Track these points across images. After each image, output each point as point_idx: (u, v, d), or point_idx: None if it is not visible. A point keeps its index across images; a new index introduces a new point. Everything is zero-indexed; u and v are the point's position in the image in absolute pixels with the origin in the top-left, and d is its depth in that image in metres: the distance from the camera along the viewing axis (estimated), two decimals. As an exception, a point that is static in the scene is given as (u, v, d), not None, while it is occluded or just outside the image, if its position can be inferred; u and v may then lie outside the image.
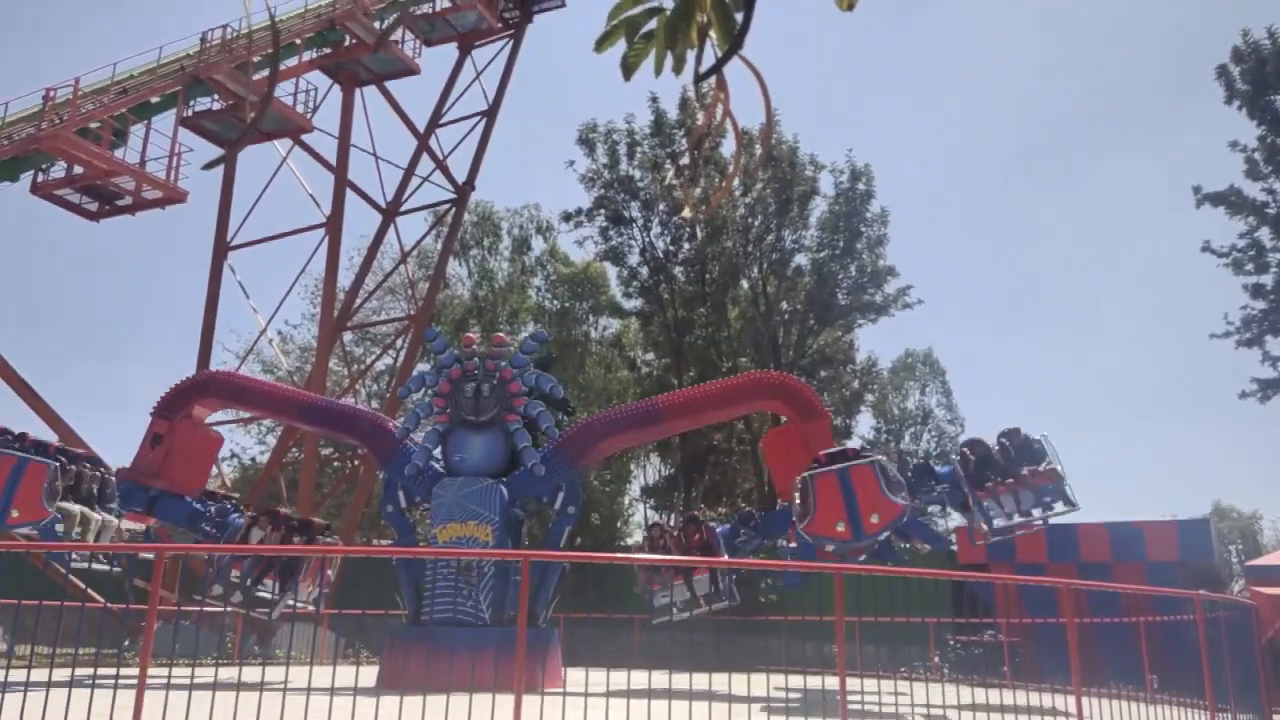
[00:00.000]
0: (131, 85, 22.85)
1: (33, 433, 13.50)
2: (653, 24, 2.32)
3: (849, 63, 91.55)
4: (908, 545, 15.76)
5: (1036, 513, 13.42)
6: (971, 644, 19.23)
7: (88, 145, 20.75)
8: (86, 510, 12.95)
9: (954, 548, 21.87)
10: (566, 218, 34.24)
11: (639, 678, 7.86)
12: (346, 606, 20.30)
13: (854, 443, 34.39)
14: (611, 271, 35.72)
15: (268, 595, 13.38)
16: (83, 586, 17.89)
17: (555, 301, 38.73)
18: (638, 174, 32.98)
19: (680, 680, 9.29)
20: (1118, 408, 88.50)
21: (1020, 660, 17.83)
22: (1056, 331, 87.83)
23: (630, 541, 37.21)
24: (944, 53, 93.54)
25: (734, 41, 2.16)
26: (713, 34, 2.22)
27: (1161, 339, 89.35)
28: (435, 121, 30.57)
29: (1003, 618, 19.12)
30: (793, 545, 13.61)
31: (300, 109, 26.59)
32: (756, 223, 32.35)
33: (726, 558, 13.90)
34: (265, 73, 24.96)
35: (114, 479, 14.07)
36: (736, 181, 30.66)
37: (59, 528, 12.30)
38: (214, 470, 27.19)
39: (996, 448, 13.89)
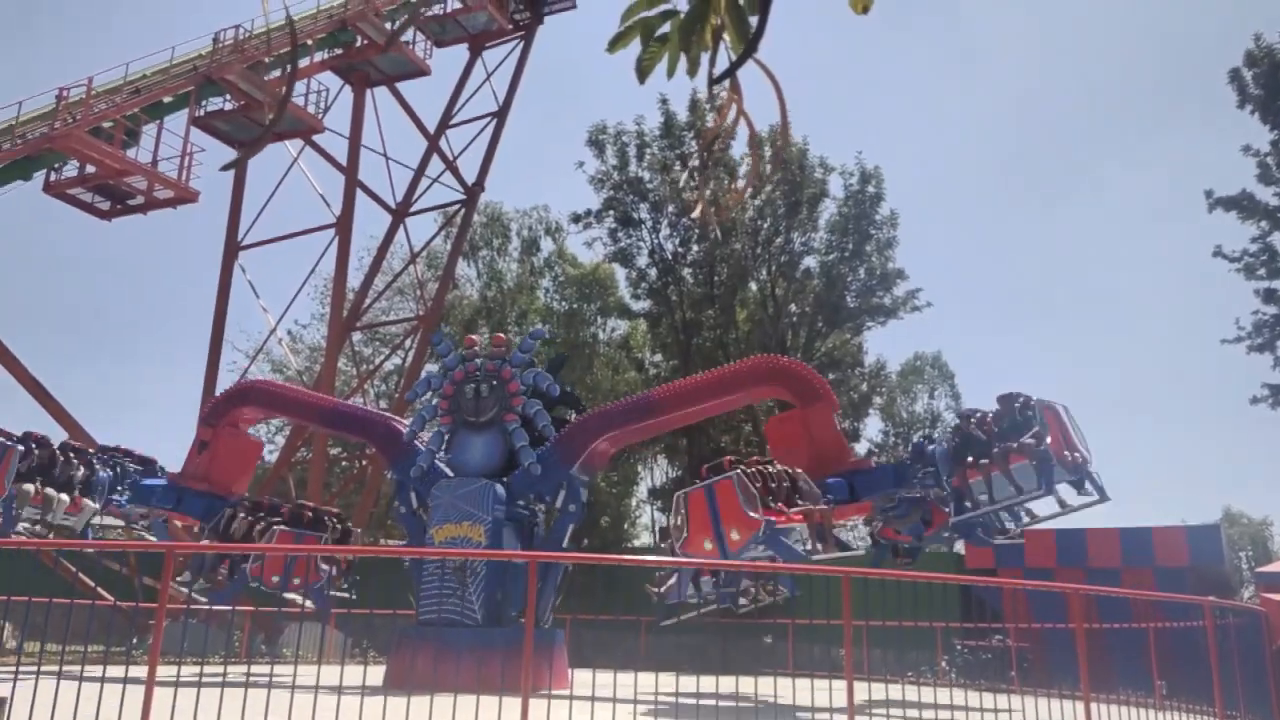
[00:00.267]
0: (144, 85, 22.96)
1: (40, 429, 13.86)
2: (666, 26, 2.31)
3: (857, 64, 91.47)
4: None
5: (1012, 499, 11.99)
6: (979, 649, 19.15)
7: (100, 145, 20.86)
8: (50, 491, 14.23)
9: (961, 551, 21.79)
10: (576, 219, 34.30)
11: (646, 680, 7.86)
12: (354, 606, 20.31)
13: (861, 447, 34.34)
14: (620, 273, 35.76)
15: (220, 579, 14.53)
16: (92, 585, 17.99)
17: (564, 303, 38.77)
18: (647, 176, 33.00)
19: (687, 682, 9.27)
20: (1128, 412, 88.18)
21: (1028, 665, 17.75)
22: (1067, 335, 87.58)
23: (638, 543, 37.19)
24: (953, 55, 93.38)
25: (749, 44, 2.15)
26: (727, 37, 2.22)
27: (1172, 343, 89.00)
28: (445, 122, 30.64)
29: (1011, 622, 19.04)
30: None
31: (311, 109, 26.69)
32: (765, 225, 32.33)
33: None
34: (278, 73, 25.07)
35: (108, 472, 15.20)
36: (746, 182, 30.62)
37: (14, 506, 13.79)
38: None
39: (983, 416, 12.70)
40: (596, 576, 20.93)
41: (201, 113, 24.69)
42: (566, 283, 38.82)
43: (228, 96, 24.72)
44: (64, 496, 14.48)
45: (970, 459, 12.19)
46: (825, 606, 12.80)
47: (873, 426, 42.30)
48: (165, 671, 8.61)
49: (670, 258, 32.97)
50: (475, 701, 6.96)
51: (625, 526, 36.64)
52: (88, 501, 14.71)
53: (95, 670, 8.32)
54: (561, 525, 14.09)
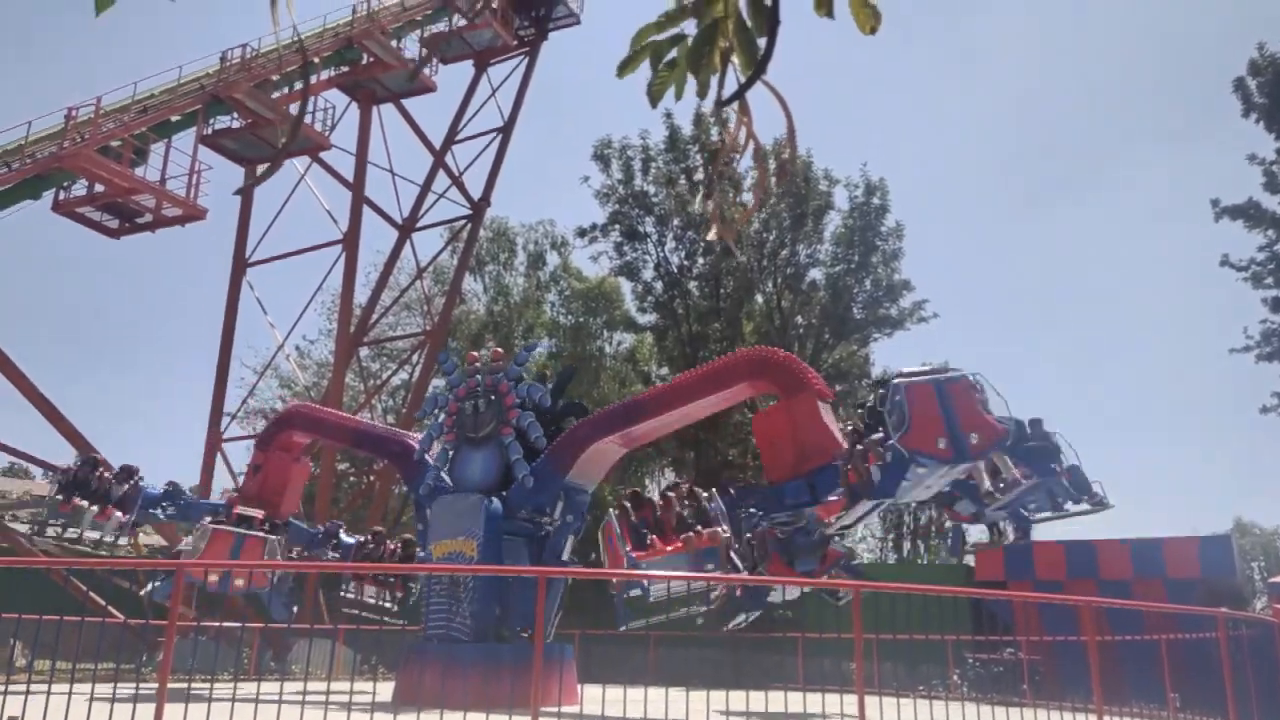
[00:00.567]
0: (152, 104, 23.14)
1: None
2: (675, 51, 2.34)
3: (860, 72, 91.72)
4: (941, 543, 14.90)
5: (1068, 505, 12.08)
6: (991, 662, 19.04)
7: (109, 163, 21.02)
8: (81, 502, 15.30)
9: (971, 564, 21.70)
10: (581, 233, 34.40)
11: (656, 695, 7.83)
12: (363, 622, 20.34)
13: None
14: (626, 286, 35.82)
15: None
16: (103, 604, 18.02)
17: (570, 317, 38.84)
18: (652, 189, 33.10)
19: (697, 697, 9.25)
20: (1137, 423, 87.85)
21: (1040, 679, 17.64)
22: (1074, 346, 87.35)
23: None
24: (957, 65, 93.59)
25: (758, 67, 2.18)
26: (735, 59, 2.24)
27: (1181, 353, 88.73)
28: (451, 138, 30.84)
29: (1022, 635, 18.94)
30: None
31: (318, 127, 26.88)
32: (771, 237, 32.39)
33: (724, 529, 12.32)
34: (285, 91, 25.27)
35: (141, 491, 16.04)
36: (753, 197, 30.70)
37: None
38: (234, 483, 27.49)
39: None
40: (604, 591, 20.88)
41: (209, 131, 24.87)
42: (572, 297, 38.90)
43: (235, 115, 24.90)
44: (94, 507, 15.34)
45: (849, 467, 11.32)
46: (835, 620, 12.76)
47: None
48: (174, 688, 8.62)
49: (676, 271, 33.03)
50: (484, 719, 6.95)
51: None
52: (117, 513, 15.45)
53: (105, 688, 8.34)
54: (560, 537, 14.01)
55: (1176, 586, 19.96)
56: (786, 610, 23.92)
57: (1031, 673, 17.48)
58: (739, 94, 2.24)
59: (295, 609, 16.27)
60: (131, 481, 15.75)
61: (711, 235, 3.05)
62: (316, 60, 25.16)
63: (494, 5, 28.36)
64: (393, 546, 16.33)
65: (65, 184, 21.74)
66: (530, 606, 12.85)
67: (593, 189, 33.50)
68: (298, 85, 25.64)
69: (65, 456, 32.01)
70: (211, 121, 24.72)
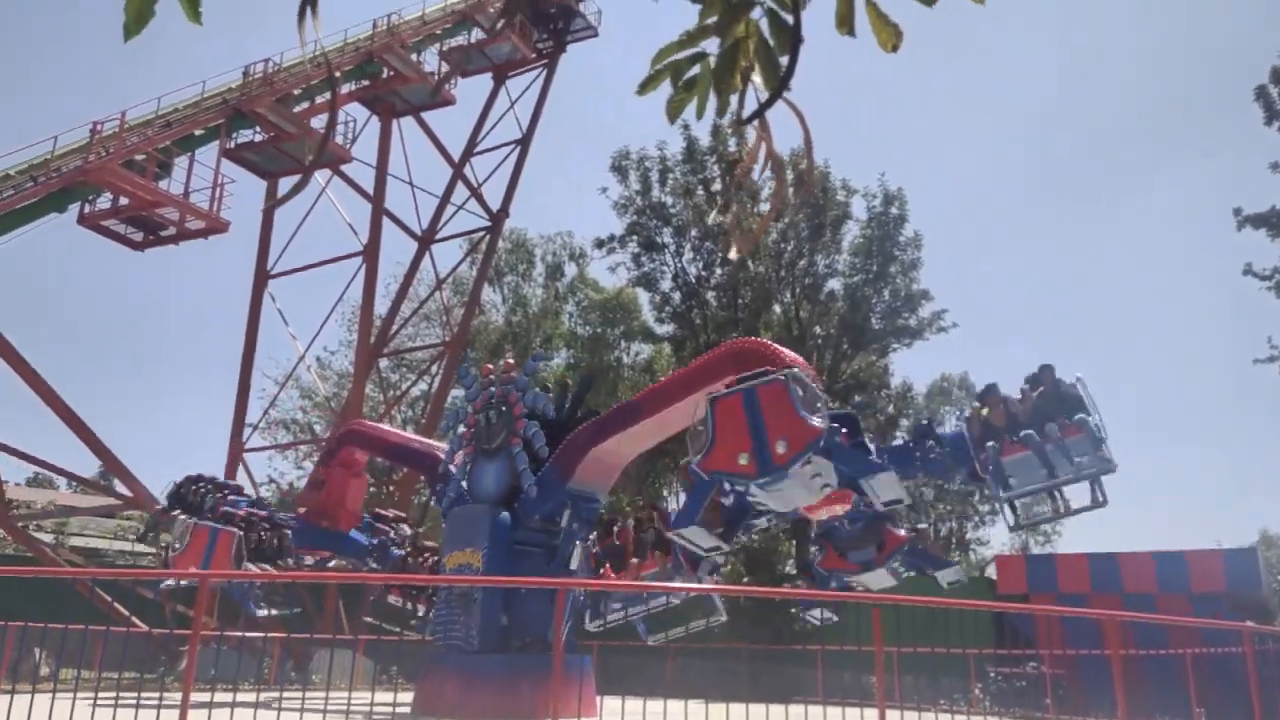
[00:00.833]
0: (176, 118, 23.43)
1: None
2: (696, 69, 2.36)
3: (880, 86, 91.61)
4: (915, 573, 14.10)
5: (1066, 475, 10.64)
6: (1013, 676, 18.86)
7: (133, 177, 21.27)
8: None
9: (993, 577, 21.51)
10: (599, 244, 34.48)
11: (675, 707, 7.82)
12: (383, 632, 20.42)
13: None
14: (644, 297, 35.87)
15: None
16: (126, 614, 18.20)
17: (588, 327, 38.91)
18: (670, 200, 33.16)
19: (716, 710, 9.21)
20: (1159, 433, 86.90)
21: (1063, 693, 17.46)
22: (1094, 356, 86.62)
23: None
24: (975, 74, 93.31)
25: (779, 85, 2.19)
26: (757, 78, 2.26)
27: (1204, 364, 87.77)
28: (470, 150, 31.04)
29: (1045, 649, 18.75)
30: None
31: (339, 140, 27.12)
32: (789, 248, 32.35)
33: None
34: (307, 105, 25.53)
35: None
36: (770, 208, 30.69)
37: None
38: (254, 493, 27.59)
39: (1017, 395, 11.29)
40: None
41: (232, 145, 25.15)
42: (590, 307, 38.99)
43: (257, 129, 25.17)
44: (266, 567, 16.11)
45: (1006, 436, 10.77)
46: (856, 632, 12.67)
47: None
48: (197, 698, 8.68)
49: (694, 281, 33.04)
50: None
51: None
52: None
53: (129, 696, 8.40)
54: (566, 545, 13.98)
55: (1201, 600, 19.73)
56: (807, 622, 23.82)
57: (1054, 687, 17.30)
58: (760, 112, 2.26)
59: (269, 610, 16.54)
60: (223, 494, 16.53)
61: (732, 254, 3.06)
62: (339, 74, 25.41)
63: (516, 21, 28.59)
64: (432, 559, 16.68)
65: (90, 197, 22.02)
66: (538, 616, 12.91)
67: (610, 200, 33.61)
68: (319, 99, 25.90)
69: (89, 467, 32.46)
70: (234, 135, 25.00)
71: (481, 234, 31.03)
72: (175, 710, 6.82)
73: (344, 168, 27.73)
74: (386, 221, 28.36)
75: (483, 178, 30.98)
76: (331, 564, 17.46)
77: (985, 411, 11.26)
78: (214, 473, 18.75)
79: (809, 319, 31.95)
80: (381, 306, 31.71)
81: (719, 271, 33.05)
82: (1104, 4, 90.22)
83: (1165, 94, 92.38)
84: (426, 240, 30.16)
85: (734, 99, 2.33)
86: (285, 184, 27.63)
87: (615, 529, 14.08)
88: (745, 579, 24.94)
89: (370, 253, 27.60)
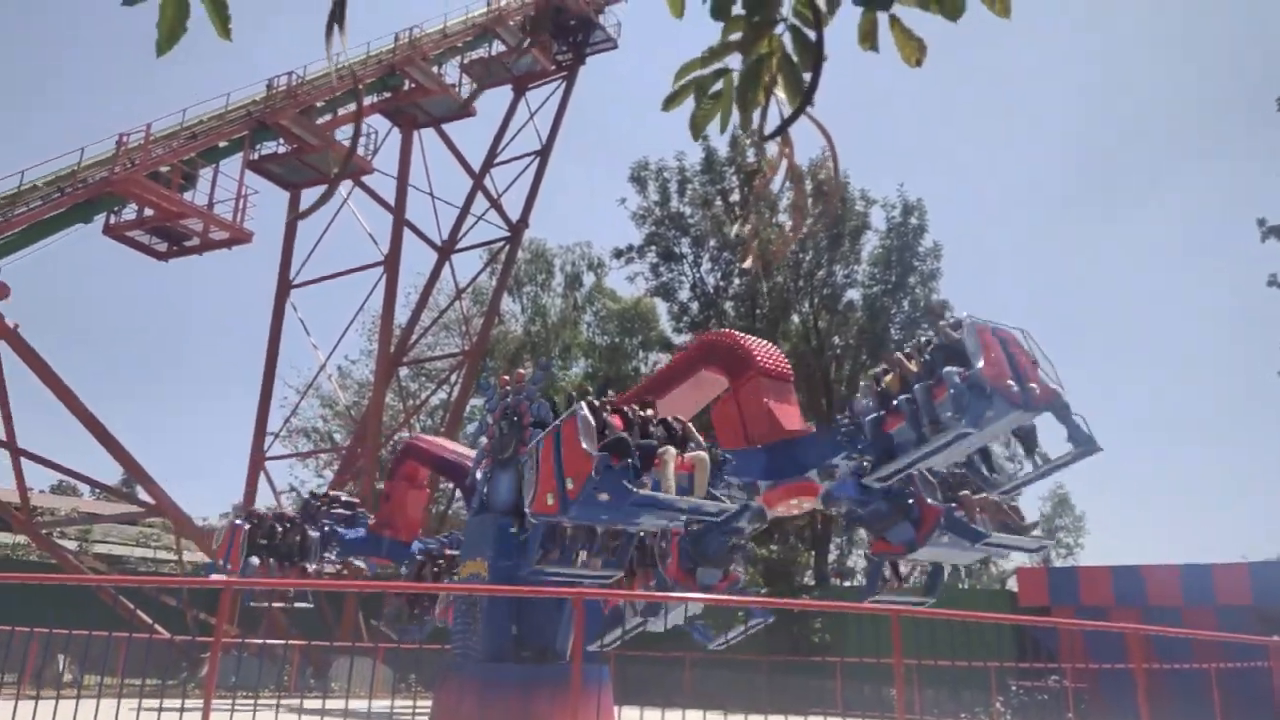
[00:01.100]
0: (200, 130, 23.72)
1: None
2: (719, 85, 2.38)
3: (900, 97, 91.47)
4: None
5: (942, 443, 9.36)
6: (1035, 689, 18.67)
7: (158, 188, 21.54)
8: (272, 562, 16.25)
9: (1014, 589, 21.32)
10: (618, 254, 34.56)
11: (694, 717, 7.80)
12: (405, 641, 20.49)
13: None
14: (662, 307, 35.91)
15: None
16: (149, 621, 18.34)
17: (605, 337, 38.97)
18: (688, 210, 33.22)
19: (736, 722, 9.20)
20: (1183, 445, 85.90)
21: (1085, 707, 17.28)
22: (1116, 366, 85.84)
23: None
24: (994, 83, 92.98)
25: (802, 101, 2.22)
26: (780, 93, 2.28)
27: (1228, 375, 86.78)
28: (490, 161, 31.24)
29: (1067, 662, 18.56)
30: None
31: (361, 151, 27.37)
32: (808, 258, 32.31)
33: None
34: (329, 117, 25.78)
35: (317, 533, 16.76)
36: (789, 220, 30.65)
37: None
38: (275, 503, 27.84)
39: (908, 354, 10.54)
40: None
41: (255, 156, 25.41)
42: (608, 317, 39.05)
43: (281, 140, 25.43)
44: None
45: (894, 403, 10.02)
46: (875, 644, 12.60)
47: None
48: (218, 704, 8.74)
49: (712, 291, 33.06)
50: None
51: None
52: (306, 565, 16.49)
53: (152, 703, 8.48)
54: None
55: (1227, 613, 19.46)
56: (825, 635, 23.71)
57: (1077, 701, 17.12)
58: (783, 128, 2.28)
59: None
60: (303, 531, 16.76)
61: (747, 264, 3.08)
62: (361, 87, 25.65)
63: (540, 39, 28.89)
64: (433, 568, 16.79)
65: (116, 208, 22.31)
66: (546, 625, 12.95)
67: (629, 211, 33.72)
68: (342, 111, 26.14)
69: (112, 474, 32.79)
70: (258, 147, 25.27)
71: (501, 244, 31.21)
72: (198, 714, 6.88)
73: (365, 179, 27.97)
74: (407, 232, 28.59)
75: (502, 188, 31.20)
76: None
77: (888, 378, 10.57)
78: (237, 480, 19.01)
79: (827, 329, 31.87)
80: (402, 316, 31.92)
81: (737, 281, 33.04)
82: (1124, 14, 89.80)
83: (1188, 104, 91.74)
84: (446, 250, 30.35)
85: (756, 114, 2.36)
86: (308, 195, 27.92)
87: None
88: (764, 590, 24.84)
89: (391, 263, 27.81)
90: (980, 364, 9.07)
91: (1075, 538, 43.78)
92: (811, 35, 2.22)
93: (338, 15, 2.39)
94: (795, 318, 32.99)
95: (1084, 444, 9.56)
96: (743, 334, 13.37)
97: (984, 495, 10.57)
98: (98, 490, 30.12)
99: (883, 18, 2.23)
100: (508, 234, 30.81)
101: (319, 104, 25.28)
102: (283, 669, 18.80)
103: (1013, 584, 29.08)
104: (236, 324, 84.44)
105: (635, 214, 33.59)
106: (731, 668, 21.33)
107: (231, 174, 23.81)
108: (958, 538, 10.55)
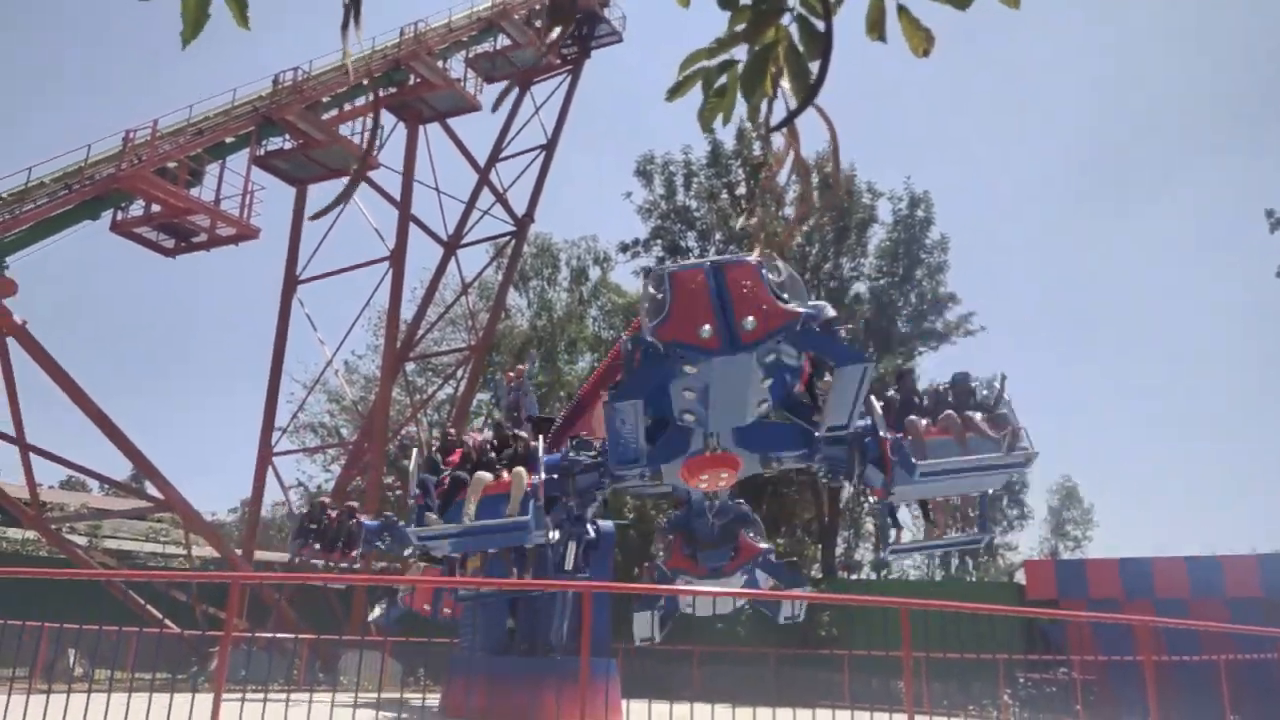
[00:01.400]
0: (207, 126, 23.73)
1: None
2: (725, 78, 2.37)
3: (908, 88, 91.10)
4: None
5: (988, 458, 9.73)
6: (1044, 682, 18.66)
7: (165, 184, 21.57)
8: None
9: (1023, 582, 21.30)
10: (624, 248, 34.52)
11: (702, 712, 7.81)
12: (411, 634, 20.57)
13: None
14: (668, 301, 35.84)
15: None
16: (159, 616, 18.43)
17: (612, 331, 38.93)
18: (694, 204, 33.15)
19: (743, 715, 9.21)
20: (1191, 437, 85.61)
21: (1094, 699, 17.26)
22: (1126, 358, 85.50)
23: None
24: (1005, 76, 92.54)
25: (809, 92, 2.20)
26: (786, 84, 2.26)
27: (1238, 366, 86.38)
28: (495, 156, 31.22)
29: (1076, 655, 18.55)
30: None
31: (366, 146, 27.34)
32: (814, 251, 32.23)
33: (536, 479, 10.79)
34: (335, 112, 25.78)
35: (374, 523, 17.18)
36: (793, 211, 30.57)
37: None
38: (282, 498, 27.94)
39: (928, 389, 10.85)
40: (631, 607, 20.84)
41: (262, 152, 25.41)
42: (614, 311, 39.02)
43: (287, 136, 25.44)
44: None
45: (923, 417, 10.17)
46: (883, 638, 12.59)
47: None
48: (228, 697, 8.78)
49: (718, 285, 32.99)
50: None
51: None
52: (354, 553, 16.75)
53: (162, 697, 8.51)
54: (559, 546, 13.94)
55: (1236, 606, 19.43)
56: (833, 628, 23.71)
57: (1085, 693, 17.11)
58: (789, 119, 2.27)
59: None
60: (354, 519, 16.79)
61: (754, 257, 3.07)
62: (367, 82, 25.64)
63: (551, 36, 28.77)
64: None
65: (123, 205, 22.32)
66: (541, 620, 13.00)
67: (635, 204, 33.65)
68: (347, 106, 26.13)
69: (121, 470, 32.91)
70: (264, 143, 25.27)
71: (507, 239, 31.19)
72: (208, 709, 6.91)
73: (371, 174, 27.97)
74: (413, 227, 28.60)
75: (508, 183, 31.16)
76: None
77: (893, 391, 11.04)
78: (245, 475, 19.16)
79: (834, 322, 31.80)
80: (408, 311, 31.92)
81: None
82: (1136, 7, 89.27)
83: (1199, 97, 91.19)
84: (452, 245, 30.36)
85: (763, 105, 2.34)
86: (314, 190, 27.95)
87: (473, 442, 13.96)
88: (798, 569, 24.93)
89: (397, 258, 27.83)
90: (659, 321, 8.36)
91: (1084, 530, 43.59)
92: (819, 25, 2.20)
93: (354, 9, 2.38)
94: (802, 311, 32.91)
95: (851, 358, 9.22)
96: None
97: (969, 415, 10.21)
98: (107, 486, 30.27)
99: (890, 7, 2.21)
100: (513, 228, 30.80)
101: (325, 99, 25.28)
102: (292, 663, 18.88)
103: (1021, 576, 29.02)
104: (243, 319, 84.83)
105: (641, 208, 33.54)
106: (739, 662, 21.37)
107: (238, 170, 23.84)
108: (947, 467, 10.01)
